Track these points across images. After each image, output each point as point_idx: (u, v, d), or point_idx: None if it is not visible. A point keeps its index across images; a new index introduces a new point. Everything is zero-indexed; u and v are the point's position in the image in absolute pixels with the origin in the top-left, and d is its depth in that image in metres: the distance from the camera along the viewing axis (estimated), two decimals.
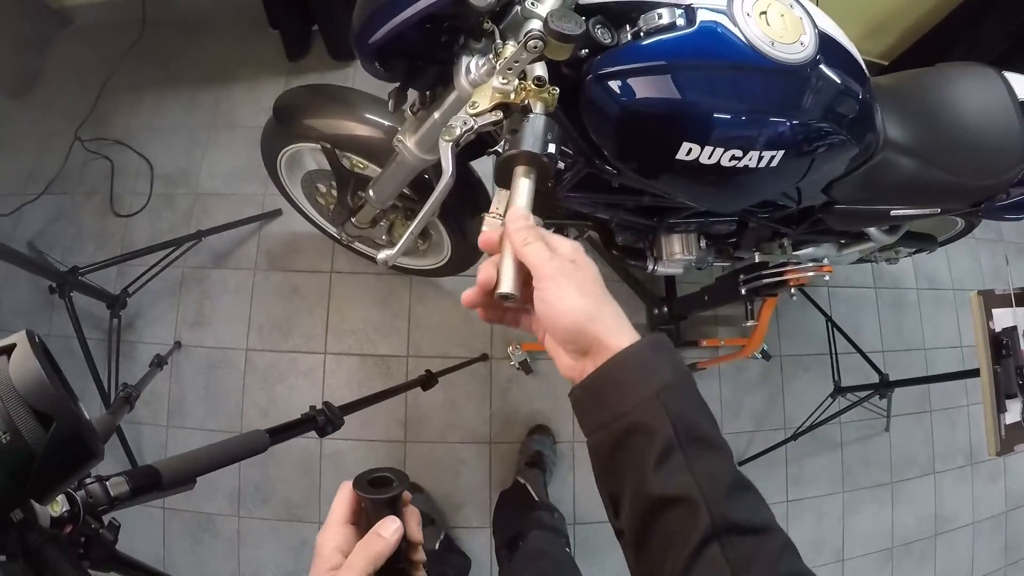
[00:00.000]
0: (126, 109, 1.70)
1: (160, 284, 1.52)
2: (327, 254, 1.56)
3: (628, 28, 0.73)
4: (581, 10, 0.74)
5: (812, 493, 1.68)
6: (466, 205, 1.06)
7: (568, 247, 0.39)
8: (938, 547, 1.75)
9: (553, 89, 0.60)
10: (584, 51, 0.72)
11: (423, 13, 0.66)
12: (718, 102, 0.72)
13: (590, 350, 0.36)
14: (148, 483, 0.57)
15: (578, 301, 0.36)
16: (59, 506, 0.48)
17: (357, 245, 1.31)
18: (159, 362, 1.45)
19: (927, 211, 1.04)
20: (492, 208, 0.95)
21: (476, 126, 0.63)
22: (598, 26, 0.73)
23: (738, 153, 0.74)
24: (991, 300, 1.16)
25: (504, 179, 0.55)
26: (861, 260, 1.61)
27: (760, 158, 0.75)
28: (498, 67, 0.63)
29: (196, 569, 1.46)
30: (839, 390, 1.59)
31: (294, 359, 1.51)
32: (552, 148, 0.54)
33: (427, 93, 0.80)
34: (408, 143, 0.83)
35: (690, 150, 0.73)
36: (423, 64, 0.75)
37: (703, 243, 1.12)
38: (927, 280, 1.96)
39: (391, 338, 1.53)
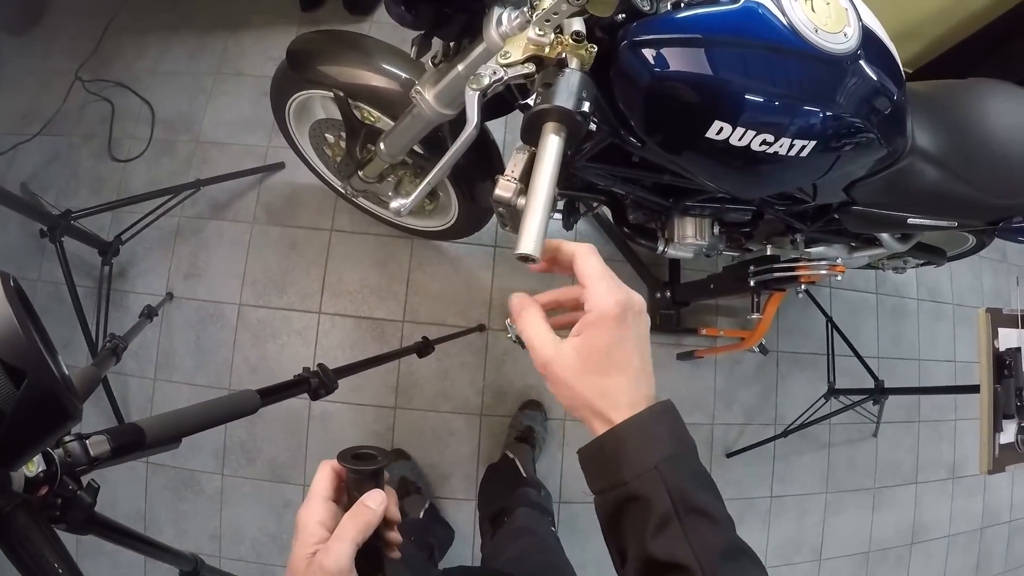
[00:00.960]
0: (131, 51, 1.67)
1: (155, 233, 1.51)
2: (328, 211, 1.55)
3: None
4: None
5: (796, 491, 1.70)
6: (479, 167, 1.05)
7: (608, 303, 0.37)
8: (913, 556, 1.79)
9: (591, 46, 0.59)
10: (621, 16, 0.71)
11: None
12: (755, 83, 0.71)
13: (595, 417, 0.37)
14: (131, 442, 0.53)
15: (587, 383, 0.37)
16: (34, 466, 0.45)
17: (361, 200, 1.31)
18: (149, 313, 1.44)
19: (944, 223, 1.04)
20: (507, 171, 0.94)
21: (506, 76, 0.62)
22: None
23: (770, 138, 0.73)
24: (998, 319, 1.18)
25: (532, 135, 0.54)
26: (869, 266, 1.63)
27: (791, 146, 0.74)
28: (535, 18, 0.62)
29: (177, 526, 1.47)
30: (833, 392, 1.61)
31: (288, 317, 1.51)
32: (585, 106, 0.53)
33: (451, 44, 0.78)
34: (427, 95, 0.82)
35: (721, 129, 0.72)
36: (452, 12, 0.74)
37: (716, 229, 1.12)
38: (928, 292, 1.98)
39: (388, 302, 1.53)
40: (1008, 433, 1.15)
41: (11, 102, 1.68)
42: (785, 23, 0.70)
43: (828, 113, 0.74)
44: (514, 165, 0.91)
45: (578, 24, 0.61)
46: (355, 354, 1.50)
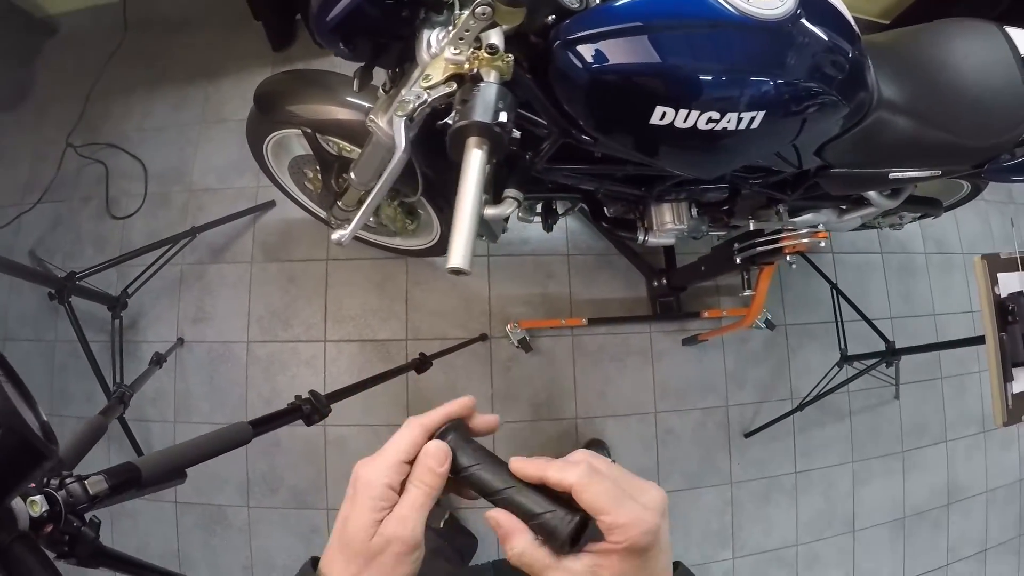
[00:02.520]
0: (117, 112, 1.79)
1: (160, 283, 1.61)
2: (322, 242, 1.64)
3: None
4: None
5: (821, 464, 1.73)
6: (449, 182, 1.11)
7: (636, 535, 0.32)
8: (951, 516, 1.80)
9: (507, 56, 0.63)
10: (551, 17, 0.73)
11: None
12: (689, 62, 0.72)
13: None
14: (128, 480, 0.59)
15: None
16: (39, 506, 0.51)
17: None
18: (158, 360, 1.53)
19: (927, 173, 1.03)
20: None
21: (430, 99, 0.66)
22: None
23: (715, 115, 0.74)
24: (996, 264, 1.14)
25: (457, 152, 0.57)
26: (865, 227, 1.65)
27: (740, 120, 0.75)
28: (446, 41, 0.65)
29: (210, 560, 1.56)
30: (845, 359, 1.63)
31: (295, 348, 1.60)
32: (503, 117, 0.57)
33: (395, 71, 0.81)
34: (380, 123, 0.84)
35: (664, 114, 0.73)
36: (387, 41, 0.77)
37: (694, 211, 1.14)
38: (935, 244, 1.99)
39: (390, 322, 1.60)
40: (1021, 381, 1.12)
41: (10, 175, 1.81)
42: None
43: (773, 80, 0.75)
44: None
45: (495, 37, 0.64)
46: (363, 376, 1.57)
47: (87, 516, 0.59)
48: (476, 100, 0.58)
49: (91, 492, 0.56)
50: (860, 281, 1.88)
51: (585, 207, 1.23)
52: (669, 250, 1.63)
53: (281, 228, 1.65)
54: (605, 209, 1.19)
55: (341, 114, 1.04)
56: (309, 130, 1.07)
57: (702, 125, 0.74)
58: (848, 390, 1.77)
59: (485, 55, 0.63)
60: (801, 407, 1.63)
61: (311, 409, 0.89)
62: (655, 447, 1.61)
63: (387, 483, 0.33)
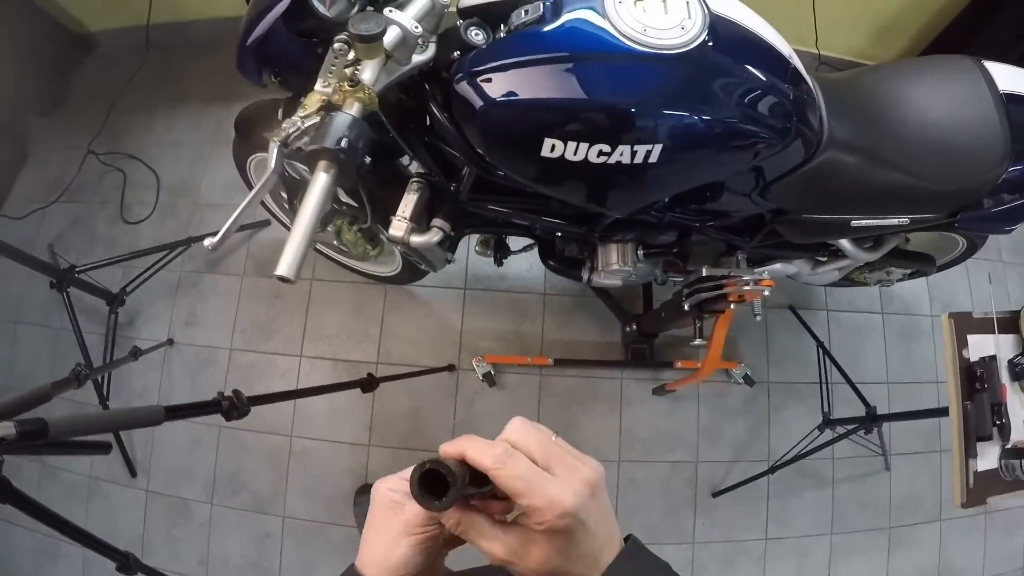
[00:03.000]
0: (141, 125, 1.95)
1: (159, 285, 1.73)
2: (309, 262, 1.72)
3: (503, 28, 0.77)
4: (462, 13, 0.81)
5: (795, 532, 1.66)
6: (394, 207, 1.15)
7: (553, 518, 0.32)
8: None
9: (368, 88, 0.67)
10: (456, 53, 0.77)
11: (274, 18, 0.75)
12: (579, 95, 0.72)
13: None
14: (34, 431, 0.65)
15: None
16: None
17: (320, 247, 1.45)
18: (135, 353, 1.62)
19: (892, 221, 0.97)
20: (399, 211, 1.04)
21: (303, 127, 0.70)
22: (472, 27, 0.78)
23: (605, 148, 0.73)
24: (966, 324, 1.05)
25: (312, 171, 0.62)
26: (853, 283, 1.60)
27: (633, 153, 0.73)
28: (319, 74, 0.70)
29: (171, 550, 1.63)
30: (828, 422, 1.57)
31: (273, 360, 1.67)
32: (346, 143, 0.61)
33: None
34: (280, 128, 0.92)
35: (553, 146, 0.74)
36: (310, 75, 0.83)
37: (641, 253, 1.12)
38: (943, 306, 1.91)
39: (363, 344, 1.66)
40: (988, 459, 1.02)
41: (39, 174, 1.99)
42: (609, 28, 0.71)
43: (670, 112, 0.73)
44: (405, 205, 1.02)
45: (368, 71, 0.68)
46: (332, 395, 1.63)
47: None
48: (325, 128, 0.63)
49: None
50: (856, 342, 1.82)
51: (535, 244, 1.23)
52: (647, 296, 1.63)
53: (274, 246, 1.75)
54: (556, 247, 1.20)
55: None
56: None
57: (593, 158, 0.74)
58: (833, 457, 1.70)
59: (347, 87, 0.67)
60: (773, 469, 1.58)
61: (230, 406, 0.94)
62: (615, 495, 1.59)
63: (390, 492, 0.38)
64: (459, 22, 0.80)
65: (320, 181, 0.63)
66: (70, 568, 1.66)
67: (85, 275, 1.57)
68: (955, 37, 1.77)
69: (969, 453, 1.03)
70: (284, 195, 1.39)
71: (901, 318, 1.88)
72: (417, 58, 0.77)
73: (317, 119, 0.70)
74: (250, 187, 1.43)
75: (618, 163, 0.75)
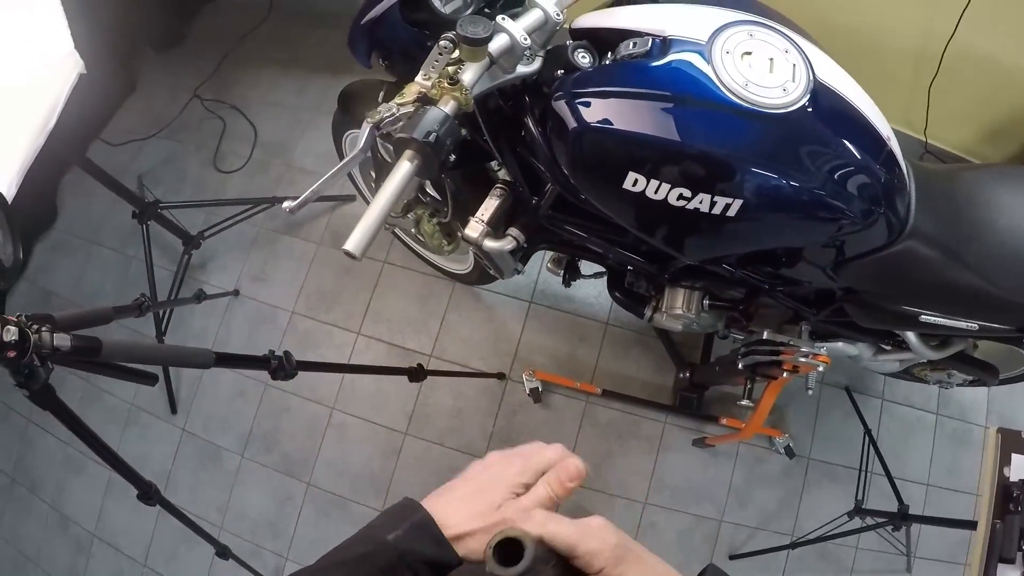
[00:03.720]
0: (248, 80, 2.04)
1: (237, 236, 1.80)
2: (385, 246, 1.77)
3: (610, 56, 0.79)
4: (574, 34, 0.83)
5: None
6: (475, 208, 1.15)
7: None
8: None
9: (466, 89, 0.69)
10: (560, 71, 0.79)
11: (389, 3, 0.78)
12: (670, 136, 0.73)
13: None
14: (87, 348, 0.71)
15: None
16: (11, 333, 0.64)
17: (399, 232, 1.48)
18: (199, 296, 1.69)
19: (961, 324, 0.96)
20: (479, 213, 1.07)
21: (397, 113, 0.71)
22: (579, 50, 0.80)
23: (686, 193, 0.74)
24: (1013, 443, 1.07)
25: (397, 157, 0.65)
26: (913, 378, 1.58)
27: (712, 203, 0.74)
28: (422, 66, 0.73)
29: (193, 490, 1.69)
30: (859, 510, 1.55)
31: (330, 331, 1.73)
32: (434, 138, 0.63)
33: None
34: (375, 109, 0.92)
35: (636, 181, 0.75)
36: (415, 64, 0.85)
37: (706, 303, 1.12)
38: (999, 419, 1.86)
39: (421, 335, 1.71)
40: None
41: (145, 106, 2.09)
42: (711, 76, 0.72)
43: (759, 171, 0.73)
44: (486, 209, 1.05)
45: (469, 72, 0.70)
46: (379, 377, 1.68)
47: (48, 364, 0.71)
48: (417, 119, 0.65)
49: (55, 344, 0.69)
50: (904, 437, 1.79)
51: (606, 273, 1.23)
52: (707, 347, 1.63)
53: (354, 221, 1.76)
54: (625, 280, 1.20)
55: None
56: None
57: (672, 200, 0.75)
58: (857, 547, 1.68)
59: (446, 84, 0.69)
60: (794, 545, 1.57)
61: (278, 366, 0.98)
62: (634, 535, 1.59)
63: (524, 482, 0.39)
64: (568, 42, 0.83)
65: (402, 169, 0.65)
66: (92, 484, 1.73)
67: (168, 212, 1.64)
68: None
69: (989, 573, 1.01)
70: (372, 174, 1.43)
71: (954, 423, 1.84)
72: (522, 69, 0.79)
73: (412, 108, 0.71)
74: (342, 160, 1.48)
75: (696, 210, 0.76)
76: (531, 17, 0.77)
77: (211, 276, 1.83)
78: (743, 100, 0.72)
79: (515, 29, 0.74)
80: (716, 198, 0.74)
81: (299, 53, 2.05)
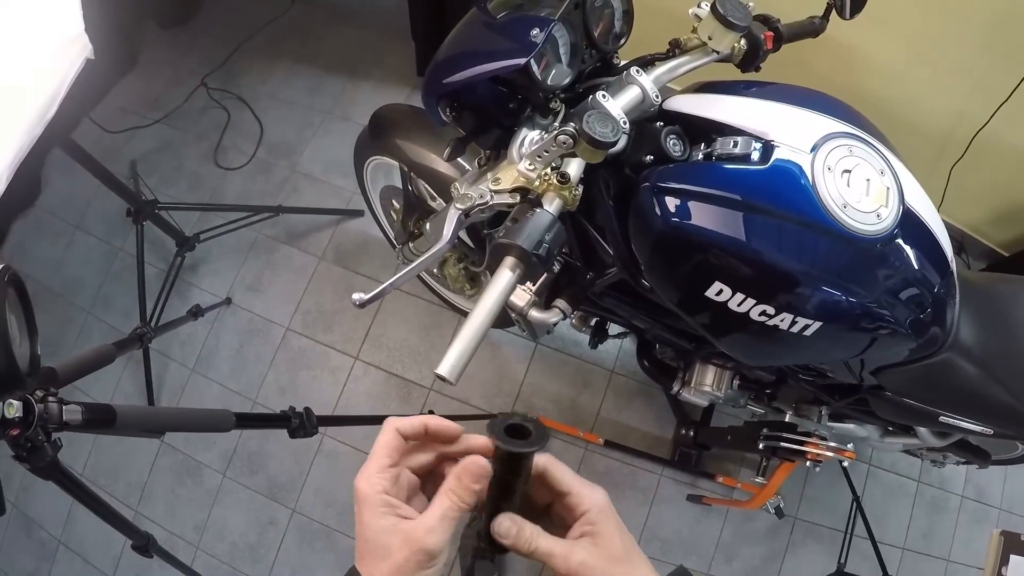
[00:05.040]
0: (258, 72, 1.89)
1: (234, 241, 1.68)
2: (391, 268, 1.68)
3: (703, 147, 0.74)
4: (663, 116, 0.77)
5: None
6: None
7: (601, 499, 0.39)
8: None
9: (576, 189, 0.63)
10: (650, 157, 0.73)
11: (492, 73, 0.69)
12: (763, 251, 0.70)
13: None
14: (101, 420, 0.67)
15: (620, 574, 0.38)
16: (13, 410, 0.58)
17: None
18: (196, 312, 1.59)
19: (978, 428, 0.99)
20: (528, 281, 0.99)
21: (491, 202, 0.67)
22: (672, 136, 0.74)
23: (770, 311, 0.71)
24: (1014, 544, 1.11)
25: (493, 265, 0.59)
26: (910, 454, 1.60)
27: (794, 323, 0.72)
28: (527, 152, 0.66)
29: (169, 507, 1.60)
30: (841, 574, 1.57)
31: (327, 353, 1.64)
32: (544, 250, 0.57)
33: (488, 152, 0.81)
34: (463, 192, 0.87)
35: (720, 291, 0.72)
36: (490, 123, 0.77)
37: (736, 383, 1.11)
38: (975, 490, 1.90)
39: (421, 367, 1.63)
40: None
41: (145, 86, 1.93)
42: (813, 193, 0.69)
43: (843, 296, 0.71)
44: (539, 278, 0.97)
45: (575, 166, 0.65)
46: (377, 406, 1.61)
47: (53, 436, 0.66)
48: (526, 224, 0.58)
49: (64, 418, 0.63)
50: (885, 501, 1.81)
51: (635, 339, 1.22)
52: (710, 406, 1.60)
53: (359, 239, 1.71)
54: (654, 349, 1.19)
55: (440, 166, 1.05)
56: (406, 168, 1.10)
57: (755, 315, 0.73)
58: None
59: (556, 181, 0.63)
60: None
61: (299, 424, 0.94)
62: None
63: (381, 491, 0.36)
64: (659, 124, 0.76)
65: (504, 279, 0.58)
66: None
67: (165, 212, 1.52)
68: None
69: None
70: (395, 204, 1.34)
71: (934, 491, 1.87)
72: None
73: (508, 199, 0.67)
74: (361, 184, 1.38)
75: (775, 327, 0.73)
76: (628, 95, 0.72)
77: (203, 280, 1.71)
78: (841, 223, 0.69)
79: (615, 110, 0.68)
80: (798, 319, 0.72)
81: (317, 49, 1.91)
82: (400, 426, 0.39)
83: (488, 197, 0.68)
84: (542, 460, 0.39)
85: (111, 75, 1.92)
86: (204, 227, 1.61)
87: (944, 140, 1.62)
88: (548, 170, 0.64)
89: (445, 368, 0.55)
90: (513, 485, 0.37)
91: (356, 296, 0.71)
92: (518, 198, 0.67)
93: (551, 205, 0.63)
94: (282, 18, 1.95)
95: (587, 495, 0.38)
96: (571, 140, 0.62)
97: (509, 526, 0.37)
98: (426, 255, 0.69)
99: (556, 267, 0.96)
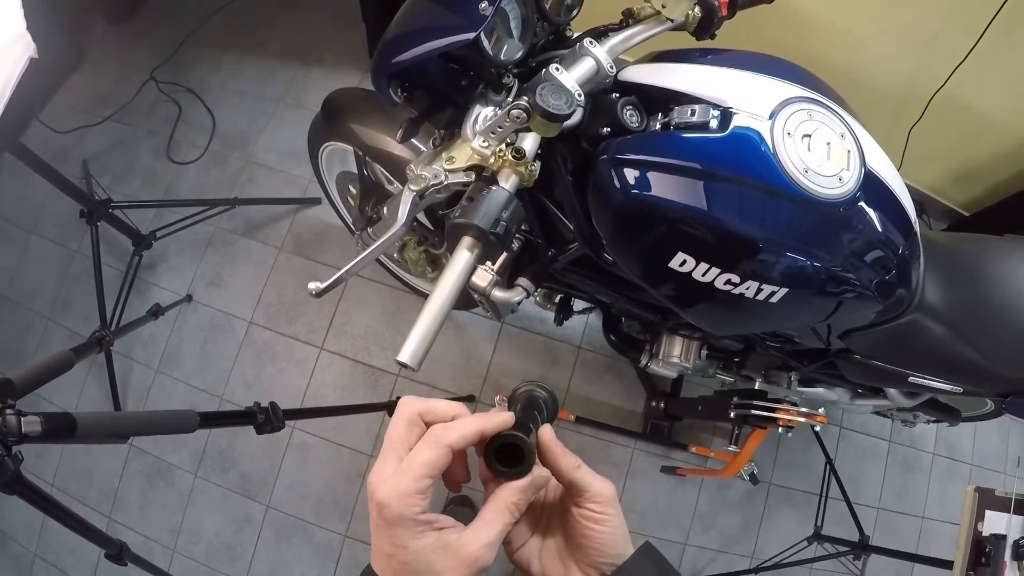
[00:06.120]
0: (208, 63, 1.82)
1: (191, 236, 1.62)
2: (352, 255, 1.60)
3: (660, 117, 0.72)
4: (619, 87, 0.74)
5: None
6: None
7: (610, 488, 0.39)
8: None
9: (532, 164, 0.61)
10: (606, 129, 0.71)
11: (441, 50, 0.66)
12: (724, 219, 0.68)
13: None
14: (61, 429, 0.64)
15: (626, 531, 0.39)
16: None
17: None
18: (156, 311, 1.54)
19: (948, 387, 0.98)
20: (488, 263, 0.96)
21: (445, 181, 0.64)
22: (628, 107, 0.72)
23: (735, 279, 0.70)
24: (987, 500, 1.10)
25: (451, 245, 0.57)
26: (878, 414, 1.60)
27: (760, 290, 0.71)
28: (480, 129, 0.63)
29: (142, 511, 1.56)
30: (818, 536, 1.58)
31: (291, 345, 1.60)
32: (501, 228, 0.55)
33: (442, 131, 0.79)
34: (414, 173, 0.83)
35: (684, 261, 0.71)
36: (442, 102, 0.75)
37: (704, 353, 1.10)
38: (946, 447, 1.91)
39: (387, 352, 1.59)
40: None
41: (93, 84, 1.85)
42: (773, 158, 0.67)
43: (808, 262, 0.71)
44: (499, 256, 0.95)
45: (530, 141, 0.62)
46: (344, 395, 1.57)
47: (14, 449, 0.63)
48: (482, 202, 0.56)
49: (23, 430, 0.60)
50: (859, 462, 1.82)
51: (600, 314, 1.20)
52: (678, 377, 1.59)
53: (318, 227, 1.66)
54: (620, 322, 1.17)
55: (395, 148, 1.02)
56: (360, 152, 1.07)
57: (720, 284, 0.71)
58: (812, 567, 1.70)
59: (511, 157, 0.60)
60: (757, 570, 1.57)
61: (265, 420, 0.92)
62: None
63: (419, 512, 0.32)
64: (615, 95, 0.74)
65: (462, 259, 0.56)
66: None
67: (119, 211, 1.47)
68: None
69: None
70: (352, 189, 1.30)
71: (905, 450, 1.88)
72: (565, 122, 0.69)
73: (463, 178, 0.64)
74: (317, 171, 1.34)
75: (741, 295, 0.72)
76: (582, 68, 0.69)
77: (161, 278, 1.66)
78: (803, 188, 0.67)
79: (570, 83, 0.65)
80: (764, 286, 0.71)
81: (266, 36, 1.84)
82: (453, 442, 0.33)
83: (442, 177, 0.65)
84: (558, 449, 0.39)
85: (58, 74, 1.84)
86: (160, 224, 1.56)
87: (902, 102, 1.60)
88: (503, 146, 0.62)
89: (406, 354, 0.53)
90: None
91: (312, 285, 0.70)
92: (473, 176, 0.64)
93: (507, 182, 0.60)
94: (230, 6, 1.88)
95: (596, 485, 0.38)
96: (525, 114, 0.60)
97: (553, 439, 0.38)
98: (382, 239, 0.67)
99: (516, 245, 0.93)
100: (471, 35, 0.65)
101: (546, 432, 0.39)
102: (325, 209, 1.66)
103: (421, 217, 1.15)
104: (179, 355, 1.62)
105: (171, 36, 1.86)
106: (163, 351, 1.63)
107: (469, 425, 0.34)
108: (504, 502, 0.35)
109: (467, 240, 0.56)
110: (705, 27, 0.76)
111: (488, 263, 0.92)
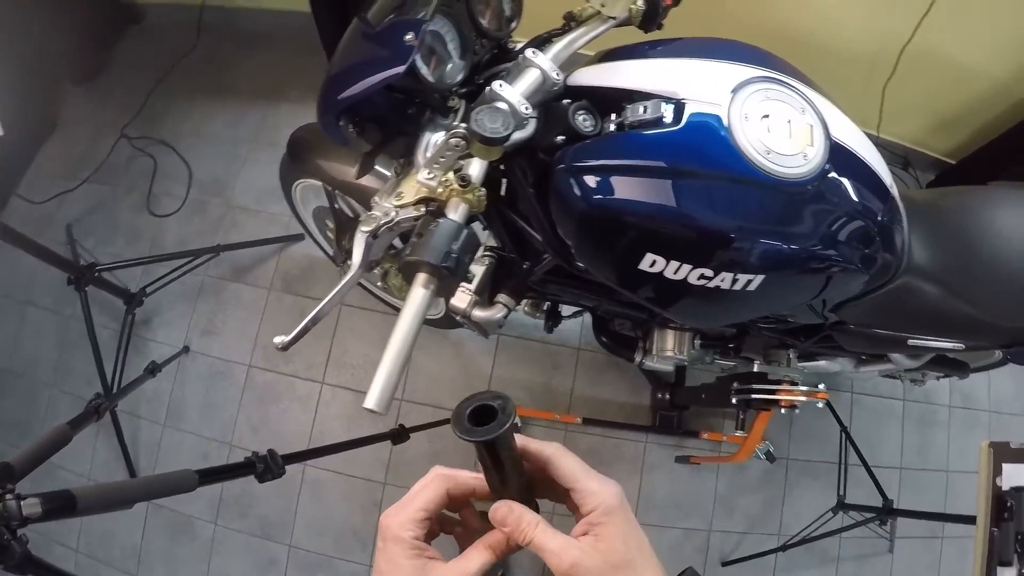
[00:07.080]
0: (178, 112, 1.81)
1: (180, 288, 1.61)
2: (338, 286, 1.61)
3: (614, 118, 0.69)
4: (571, 93, 0.72)
5: None
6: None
7: (610, 499, 0.37)
8: None
9: (479, 190, 0.59)
10: (561, 138, 0.69)
11: (377, 85, 0.64)
12: (688, 213, 0.66)
13: None
14: (61, 507, 0.63)
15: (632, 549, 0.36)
16: None
17: (362, 282, 1.36)
18: (152, 369, 1.52)
19: (948, 344, 0.96)
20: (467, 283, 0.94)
21: (397, 219, 0.63)
22: (580, 112, 0.69)
23: (708, 273, 0.68)
24: (1004, 453, 1.08)
25: (407, 281, 0.56)
26: (887, 376, 1.57)
27: (735, 280, 0.68)
28: (423, 161, 0.62)
29: (169, 567, 1.55)
30: (842, 506, 1.54)
31: (292, 383, 1.58)
32: (452, 260, 0.53)
33: (401, 160, 0.77)
34: (378, 203, 0.81)
35: (654, 262, 0.68)
36: (393, 132, 0.74)
37: (698, 343, 1.08)
38: (961, 398, 1.87)
39: None
40: None
41: (66, 148, 1.85)
42: (732, 144, 0.64)
43: (780, 245, 0.68)
44: (475, 277, 0.94)
45: (474, 168, 0.60)
46: (351, 426, 1.55)
47: (19, 532, 0.62)
48: (431, 237, 0.54)
49: (24, 513, 0.60)
50: (875, 426, 1.78)
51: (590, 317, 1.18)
52: (680, 367, 1.56)
53: (304, 263, 1.64)
54: (609, 322, 1.15)
55: (363, 180, 0.99)
56: (330, 187, 1.05)
57: (693, 280, 0.69)
58: (840, 536, 1.67)
59: (457, 186, 0.58)
60: (784, 548, 1.54)
61: (264, 468, 0.90)
62: None
63: (413, 537, 0.36)
64: (566, 101, 0.71)
65: (418, 297, 0.54)
66: None
67: (106, 272, 1.46)
68: (1012, 145, 1.71)
69: (989, 574, 1.03)
70: (329, 224, 1.29)
71: (920, 406, 1.84)
72: (517, 136, 0.66)
73: (414, 212, 0.63)
74: (293, 208, 1.33)
75: (717, 288, 0.70)
76: (527, 79, 0.66)
77: (157, 333, 1.65)
78: (766, 171, 0.65)
79: (515, 98, 0.62)
80: (739, 275, 0.68)
81: (231, 80, 1.83)
82: (452, 488, 0.39)
83: (392, 214, 0.64)
84: (548, 450, 0.38)
85: (31, 143, 1.84)
86: (149, 280, 1.55)
87: (873, 60, 1.58)
88: (450, 175, 0.60)
89: (372, 401, 0.52)
90: (501, 471, 0.36)
91: (278, 339, 0.69)
92: (423, 210, 0.63)
93: (456, 212, 0.58)
94: (192, 54, 1.86)
95: (594, 492, 0.36)
96: (464, 141, 0.58)
97: (505, 513, 0.37)
98: (339, 285, 0.66)
99: (489, 263, 0.91)
100: (401, 68, 0.64)
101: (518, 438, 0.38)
102: (309, 244, 1.64)
103: (398, 243, 1.14)
104: (184, 407, 1.61)
105: (137, 90, 1.85)
106: (168, 405, 1.62)
107: (467, 481, 0.39)
108: (486, 541, 0.37)
109: (421, 277, 0.54)
110: (650, 19, 0.74)
111: (467, 284, 0.91)
